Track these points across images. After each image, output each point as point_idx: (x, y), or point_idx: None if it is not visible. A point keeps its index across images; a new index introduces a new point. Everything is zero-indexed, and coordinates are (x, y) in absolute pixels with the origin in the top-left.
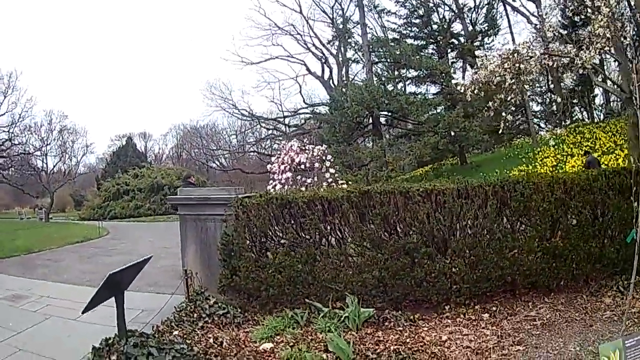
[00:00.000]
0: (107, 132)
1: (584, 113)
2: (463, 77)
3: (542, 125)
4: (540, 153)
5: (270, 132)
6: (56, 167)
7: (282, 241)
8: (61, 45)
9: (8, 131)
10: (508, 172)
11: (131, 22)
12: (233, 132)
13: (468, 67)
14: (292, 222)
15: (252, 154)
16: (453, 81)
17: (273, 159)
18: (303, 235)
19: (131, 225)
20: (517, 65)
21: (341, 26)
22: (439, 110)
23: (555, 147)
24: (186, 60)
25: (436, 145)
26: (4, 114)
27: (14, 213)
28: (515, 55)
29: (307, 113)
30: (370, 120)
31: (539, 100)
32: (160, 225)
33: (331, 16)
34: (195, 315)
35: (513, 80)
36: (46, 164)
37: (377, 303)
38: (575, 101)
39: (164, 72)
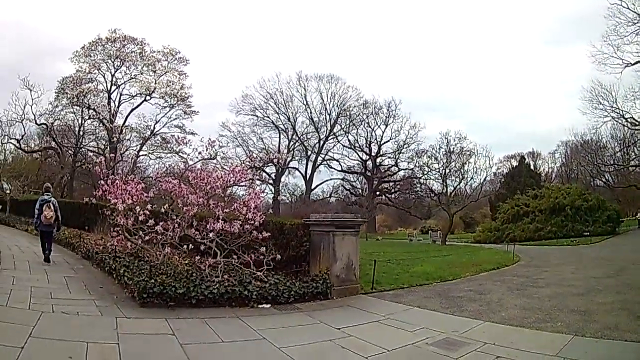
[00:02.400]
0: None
1: None
2: None
3: None
4: None
5: None
6: (456, 189)
7: None
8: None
9: (394, 157)
10: None
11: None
12: (617, 144)
13: None
14: None
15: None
16: None
17: None
18: None
19: (535, 249)
20: None
21: None
22: None
23: None
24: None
25: None
26: (388, 141)
27: (397, 234)
28: None
29: None
30: None
31: None
32: (565, 250)
33: None
34: None
35: None
36: (445, 186)
37: None
38: None
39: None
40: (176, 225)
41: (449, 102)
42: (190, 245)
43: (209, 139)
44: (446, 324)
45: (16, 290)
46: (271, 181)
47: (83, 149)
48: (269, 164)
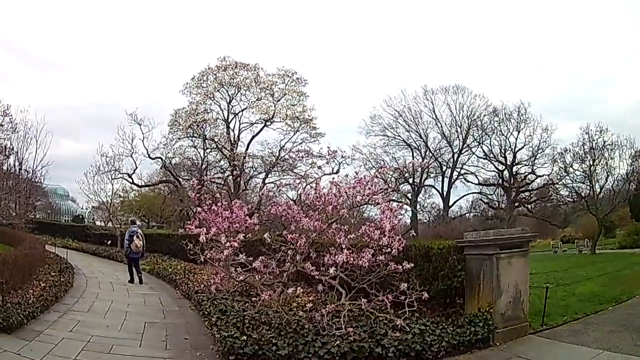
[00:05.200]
0: None
1: None
2: None
3: None
4: None
5: None
6: (603, 188)
7: None
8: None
9: (529, 164)
10: None
11: None
12: None
13: None
14: None
15: None
16: None
17: None
18: None
19: None
20: None
21: None
22: None
23: None
24: None
25: None
26: (522, 147)
27: (537, 246)
28: None
29: None
30: None
31: None
32: None
33: None
34: None
35: None
36: (592, 187)
37: None
38: None
39: None
40: (288, 259)
41: (571, 101)
42: (303, 284)
43: (328, 147)
44: None
45: (68, 340)
46: (407, 201)
47: (207, 182)
48: (404, 183)
